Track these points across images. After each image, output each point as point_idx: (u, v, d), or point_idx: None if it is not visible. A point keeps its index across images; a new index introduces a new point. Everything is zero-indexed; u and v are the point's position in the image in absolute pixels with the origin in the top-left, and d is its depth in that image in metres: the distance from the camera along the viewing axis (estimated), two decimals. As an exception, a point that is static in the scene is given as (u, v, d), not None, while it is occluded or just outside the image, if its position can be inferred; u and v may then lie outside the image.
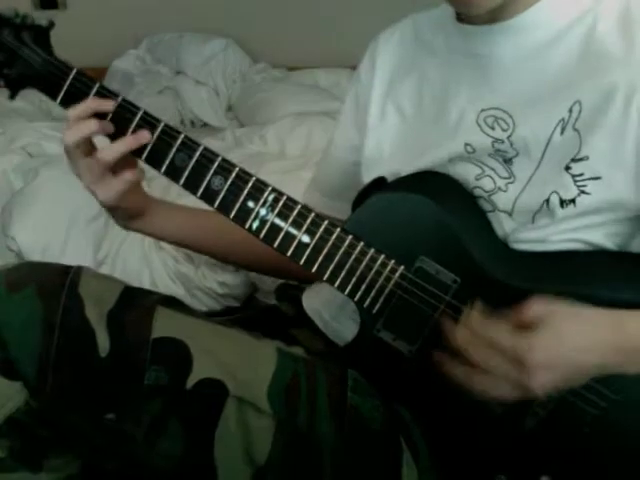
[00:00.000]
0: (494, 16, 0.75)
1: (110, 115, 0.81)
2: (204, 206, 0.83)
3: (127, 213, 0.91)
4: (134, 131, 0.81)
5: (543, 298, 0.67)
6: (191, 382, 0.73)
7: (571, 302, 0.67)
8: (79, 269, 0.76)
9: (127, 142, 0.81)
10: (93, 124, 0.80)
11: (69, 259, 1.47)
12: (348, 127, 0.95)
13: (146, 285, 1.48)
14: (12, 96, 0.87)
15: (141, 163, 0.84)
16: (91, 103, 0.81)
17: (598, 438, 0.74)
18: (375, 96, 0.89)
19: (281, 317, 1.00)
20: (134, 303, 0.76)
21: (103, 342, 0.71)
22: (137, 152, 0.82)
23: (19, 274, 0.74)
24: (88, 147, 0.82)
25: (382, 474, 0.78)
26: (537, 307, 0.66)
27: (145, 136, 0.81)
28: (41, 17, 0.85)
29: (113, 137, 0.82)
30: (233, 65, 2.54)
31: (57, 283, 0.73)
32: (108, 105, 0.81)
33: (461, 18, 0.80)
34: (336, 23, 2.53)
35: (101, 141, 0.83)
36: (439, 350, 0.71)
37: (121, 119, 0.81)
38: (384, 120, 0.88)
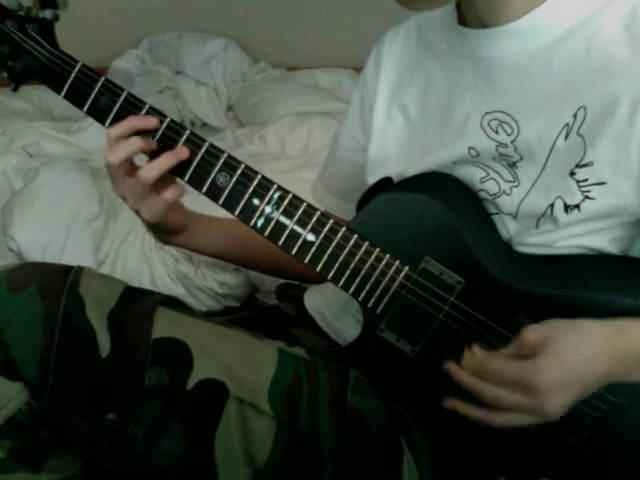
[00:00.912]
0: (493, 20, 0.75)
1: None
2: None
3: (168, 230, 0.91)
4: (160, 140, 0.80)
5: (534, 325, 0.66)
6: (192, 382, 0.73)
7: (562, 317, 0.67)
8: (80, 269, 0.76)
9: (167, 160, 0.79)
10: (138, 144, 0.79)
11: (69, 259, 1.46)
12: (355, 129, 0.96)
13: (146, 285, 1.48)
14: (15, 89, 0.86)
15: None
16: (135, 122, 0.79)
17: (597, 440, 0.74)
18: (380, 98, 0.89)
19: (282, 317, 1.00)
20: (135, 303, 0.75)
21: (104, 342, 0.71)
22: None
23: (20, 274, 0.74)
24: (130, 166, 0.81)
25: (383, 474, 0.78)
26: (533, 334, 0.65)
27: (184, 152, 0.80)
28: (45, 12, 0.84)
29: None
30: (233, 65, 2.54)
31: (58, 283, 0.73)
32: (152, 122, 0.80)
33: (462, 21, 0.80)
34: (336, 23, 2.53)
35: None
36: (439, 356, 0.71)
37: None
38: (389, 122, 0.88)
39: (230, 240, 0.99)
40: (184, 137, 0.80)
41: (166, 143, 0.80)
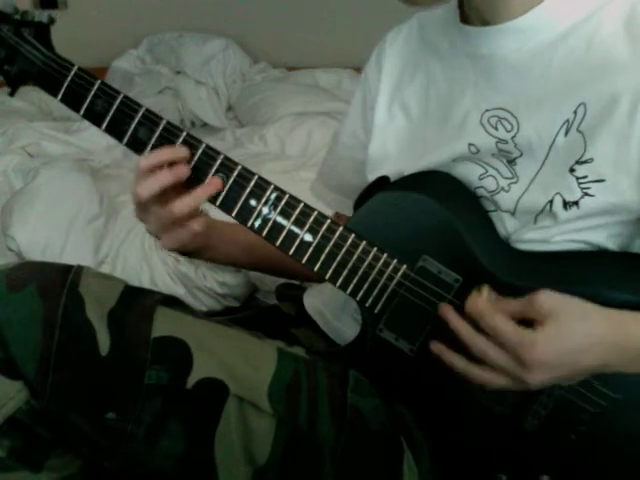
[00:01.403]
0: (495, 17, 0.75)
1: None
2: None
3: (192, 251, 0.89)
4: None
5: (550, 291, 0.67)
6: (191, 381, 0.73)
7: (579, 299, 0.67)
8: (80, 268, 0.76)
9: (201, 194, 0.77)
10: (169, 178, 0.76)
11: (69, 259, 1.47)
12: (356, 127, 0.95)
13: (146, 284, 1.48)
14: (12, 93, 0.86)
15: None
16: (166, 154, 0.77)
17: (597, 437, 0.74)
18: (382, 96, 0.89)
19: (282, 317, 1.00)
20: (135, 302, 0.75)
21: (104, 341, 0.71)
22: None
23: (20, 274, 0.74)
24: (160, 196, 0.78)
25: (382, 474, 0.78)
26: (546, 300, 0.66)
27: (217, 184, 0.78)
28: (41, 16, 0.84)
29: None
30: (233, 65, 2.54)
31: (58, 283, 0.73)
32: (183, 153, 0.78)
33: (464, 19, 0.80)
34: (336, 23, 2.53)
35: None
36: (438, 341, 0.72)
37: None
38: (390, 120, 0.88)
39: (249, 249, 0.98)
40: (180, 139, 0.79)
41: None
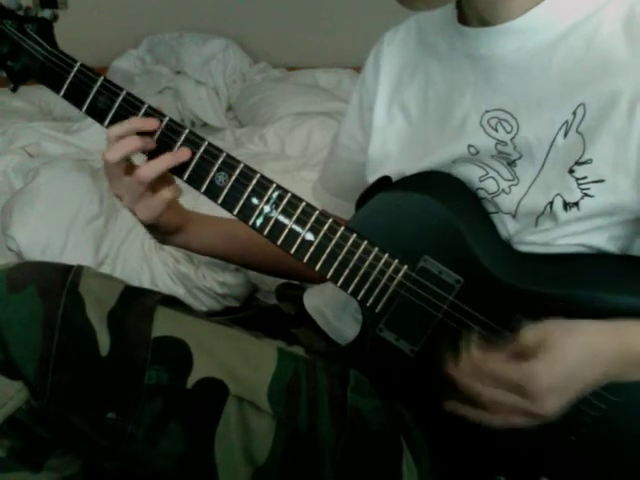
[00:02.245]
0: (494, 18, 0.75)
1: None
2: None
3: (166, 230, 0.91)
4: (160, 139, 0.80)
5: (531, 326, 0.66)
6: (191, 381, 0.73)
7: (562, 315, 0.67)
8: (80, 269, 0.76)
9: (166, 160, 0.80)
10: (136, 142, 0.79)
11: (69, 259, 1.46)
12: (354, 129, 0.96)
13: (146, 285, 1.48)
14: (14, 89, 0.86)
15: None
16: (136, 123, 0.80)
17: (597, 439, 0.74)
18: (380, 97, 0.89)
19: (282, 317, 1.00)
20: (135, 303, 0.75)
21: (104, 341, 0.71)
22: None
23: (20, 274, 0.74)
24: (127, 165, 0.81)
25: (382, 474, 0.78)
26: (531, 335, 0.66)
27: (185, 154, 0.80)
28: (44, 12, 0.84)
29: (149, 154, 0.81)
30: (233, 65, 2.54)
31: (58, 283, 0.73)
32: (153, 123, 0.80)
33: (462, 19, 0.80)
34: (336, 23, 2.53)
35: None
36: (439, 355, 0.71)
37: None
38: (390, 121, 0.88)
39: (230, 240, 0.99)
40: (183, 137, 0.80)
41: (165, 142, 0.80)
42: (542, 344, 0.65)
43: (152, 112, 0.81)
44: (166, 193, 0.82)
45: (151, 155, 0.81)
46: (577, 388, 0.66)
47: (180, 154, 0.80)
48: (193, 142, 0.80)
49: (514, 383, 0.65)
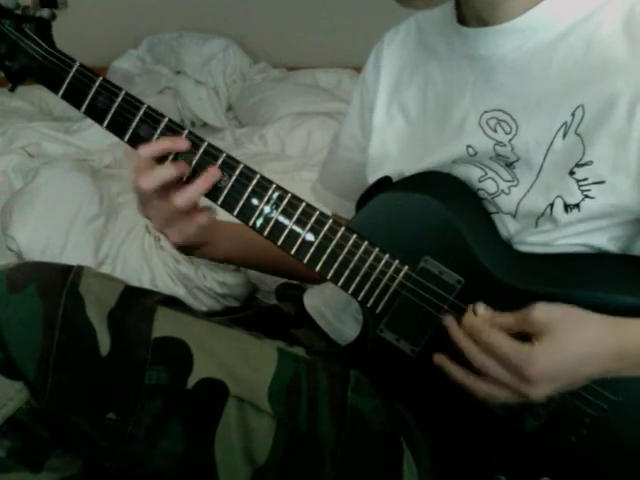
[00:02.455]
0: (493, 18, 0.75)
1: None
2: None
3: (194, 246, 0.90)
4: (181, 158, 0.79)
5: (546, 305, 0.67)
6: (192, 382, 0.73)
7: (573, 306, 0.67)
8: (80, 269, 0.76)
9: (202, 185, 0.78)
10: (172, 171, 0.77)
11: (69, 259, 1.46)
12: (355, 129, 0.96)
13: (146, 285, 1.48)
14: (12, 89, 0.86)
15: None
16: (166, 144, 0.78)
17: (597, 439, 0.74)
18: (380, 97, 0.89)
19: (282, 317, 1.00)
20: (135, 303, 0.75)
21: (104, 342, 0.71)
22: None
23: (20, 274, 0.74)
24: (162, 190, 0.79)
25: (382, 474, 0.78)
26: (542, 314, 0.66)
27: (216, 173, 0.78)
28: (42, 11, 0.84)
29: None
30: (233, 65, 2.54)
31: (58, 283, 0.73)
32: (183, 144, 0.78)
33: (461, 19, 0.80)
34: (336, 23, 2.53)
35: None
36: (440, 352, 0.72)
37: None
38: (389, 121, 0.88)
39: (244, 244, 0.98)
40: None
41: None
42: (548, 327, 0.65)
43: (151, 113, 0.80)
44: (201, 218, 0.81)
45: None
46: (569, 380, 0.67)
47: (211, 175, 0.78)
48: (192, 142, 0.79)
49: (509, 361, 0.66)
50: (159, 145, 0.78)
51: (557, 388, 0.67)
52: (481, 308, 0.70)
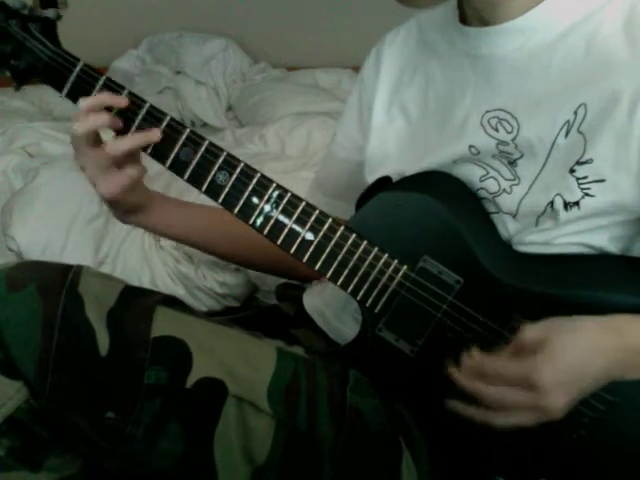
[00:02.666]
0: (494, 18, 0.75)
1: (116, 109, 0.81)
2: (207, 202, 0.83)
3: (127, 207, 0.91)
4: (140, 126, 0.81)
5: (531, 324, 0.66)
6: (191, 381, 0.73)
7: (560, 315, 0.67)
8: (79, 268, 0.76)
9: (137, 138, 0.81)
10: (105, 117, 0.80)
11: (69, 259, 1.46)
12: (352, 128, 0.96)
13: (146, 285, 1.48)
14: (18, 88, 0.87)
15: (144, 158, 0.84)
16: (104, 97, 0.81)
17: (596, 440, 0.74)
18: (380, 97, 0.89)
19: (281, 317, 1.00)
20: (134, 302, 0.75)
21: (103, 341, 0.71)
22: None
23: (19, 273, 0.74)
24: (95, 139, 0.82)
25: (382, 474, 0.78)
26: (531, 333, 0.66)
27: (155, 134, 0.81)
28: (48, 11, 0.85)
29: (119, 132, 0.82)
30: (233, 65, 2.54)
31: (57, 282, 0.73)
32: (121, 101, 0.81)
33: (463, 19, 0.80)
34: (336, 23, 2.53)
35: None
36: (439, 353, 0.72)
37: (128, 113, 0.81)
38: (389, 121, 0.88)
39: (205, 226, 0.99)
40: (184, 136, 0.80)
41: (166, 140, 0.81)
42: (543, 341, 0.65)
43: (154, 112, 0.81)
44: (131, 170, 0.83)
45: (119, 131, 0.82)
46: (582, 385, 0.66)
47: (151, 135, 0.80)
48: (194, 141, 0.80)
49: (520, 378, 0.65)
50: (98, 98, 0.80)
51: (572, 394, 0.65)
52: (475, 351, 0.68)
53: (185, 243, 1.05)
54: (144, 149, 0.82)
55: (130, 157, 0.83)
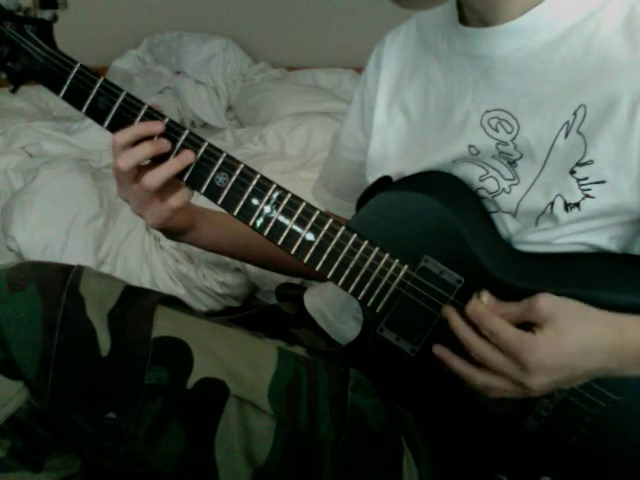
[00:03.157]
0: (494, 18, 0.75)
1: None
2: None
3: (176, 231, 0.91)
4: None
5: (551, 295, 0.67)
6: (192, 382, 0.73)
7: (578, 301, 0.68)
8: (80, 268, 0.76)
9: (171, 166, 0.80)
10: (147, 148, 0.79)
11: (69, 259, 1.47)
12: (355, 128, 0.96)
13: (146, 285, 1.48)
14: (14, 90, 0.86)
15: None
16: (138, 128, 0.79)
17: (598, 438, 0.74)
18: (381, 97, 0.89)
19: (282, 317, 1.00)
20: (135, 302, 0.75)
21: (104, 341, 0.71)
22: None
23: (20, 273, 0.74)
24: (137, 172, 0.81)
25: (382, 474, 0.78)
26: (545, 303, 0.67)
27: (189, 156, 0.80)
28: (44, 13, 0.85)
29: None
30: (233, 65, 2.55)
31: (58, 282, 0.73)
32: (157, 128, 0.80)
33: (463, 20, 0.80)
34: (336, 23, 2.53)
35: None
36: (440, 344, 0.73)
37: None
38: (390, 121, 0.88)
39: (232, 234, 0.99)
40: (183, 138, 0.80)
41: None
42: (551, 317, 0.66)
43: (152, 113, 0.81)
44: (174, 201, 0.82)
45: (156, 158, 0.81)
46: (568, 374, 0.67)
47: (184, 158, 0.80)
48: (193, 143, 0.80)
49: (510, 348, 0.66)
50: (134, 130, 0.79)
51: (556, 381, 0.67)
52: (486, 295, 0.70)
53: (235, 257, 1.06)
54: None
55: (171, 184, 0.81)
